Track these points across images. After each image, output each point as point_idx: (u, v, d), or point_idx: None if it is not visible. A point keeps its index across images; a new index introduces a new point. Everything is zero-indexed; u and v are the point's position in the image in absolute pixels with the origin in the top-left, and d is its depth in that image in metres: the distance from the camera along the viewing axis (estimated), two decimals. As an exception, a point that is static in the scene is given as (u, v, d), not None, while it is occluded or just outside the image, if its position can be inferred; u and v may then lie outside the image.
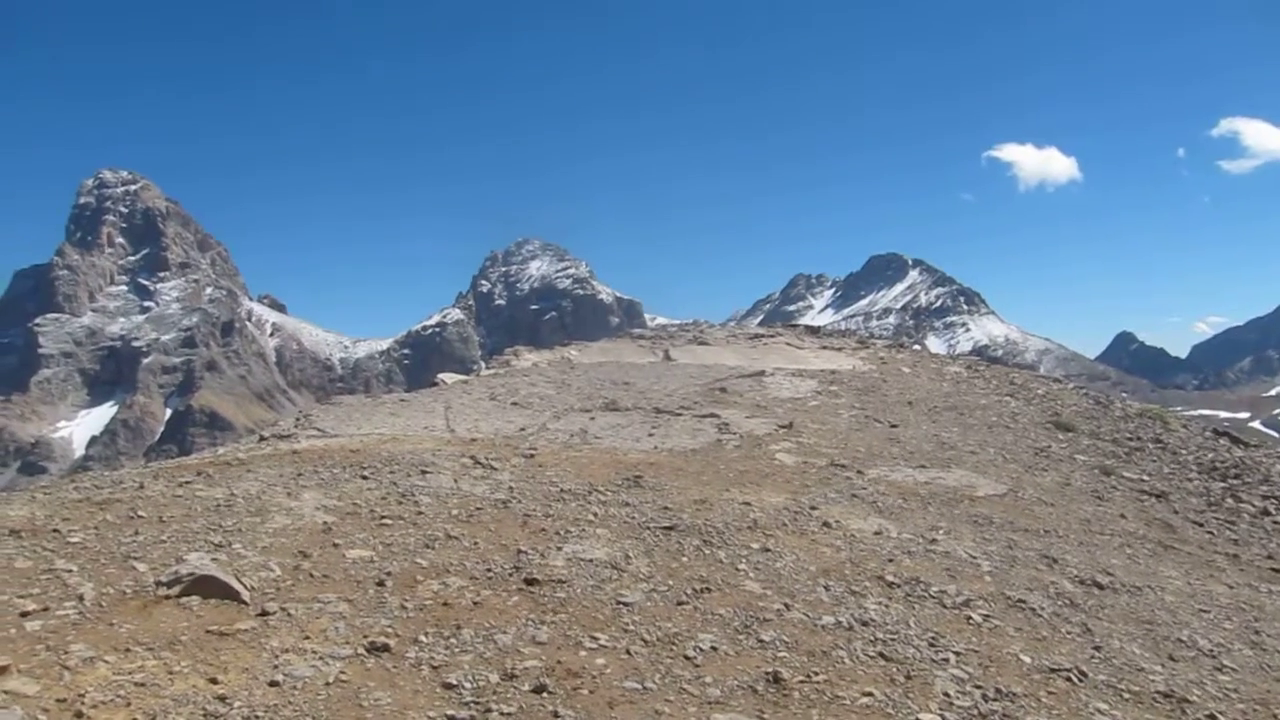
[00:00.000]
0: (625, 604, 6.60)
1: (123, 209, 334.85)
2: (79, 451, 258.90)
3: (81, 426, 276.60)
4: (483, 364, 30.74)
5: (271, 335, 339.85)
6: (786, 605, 6.76)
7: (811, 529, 8.83)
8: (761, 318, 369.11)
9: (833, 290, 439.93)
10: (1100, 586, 8.08)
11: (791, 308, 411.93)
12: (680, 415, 14.81)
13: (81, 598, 6.09)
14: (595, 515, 8.83)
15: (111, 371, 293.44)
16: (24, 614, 5.77)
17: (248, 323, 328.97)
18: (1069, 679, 5.97)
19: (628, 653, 5.83)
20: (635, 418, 14.65)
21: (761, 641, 6.10)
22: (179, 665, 5.29)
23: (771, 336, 29.77)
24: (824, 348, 27.69)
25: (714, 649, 5.95)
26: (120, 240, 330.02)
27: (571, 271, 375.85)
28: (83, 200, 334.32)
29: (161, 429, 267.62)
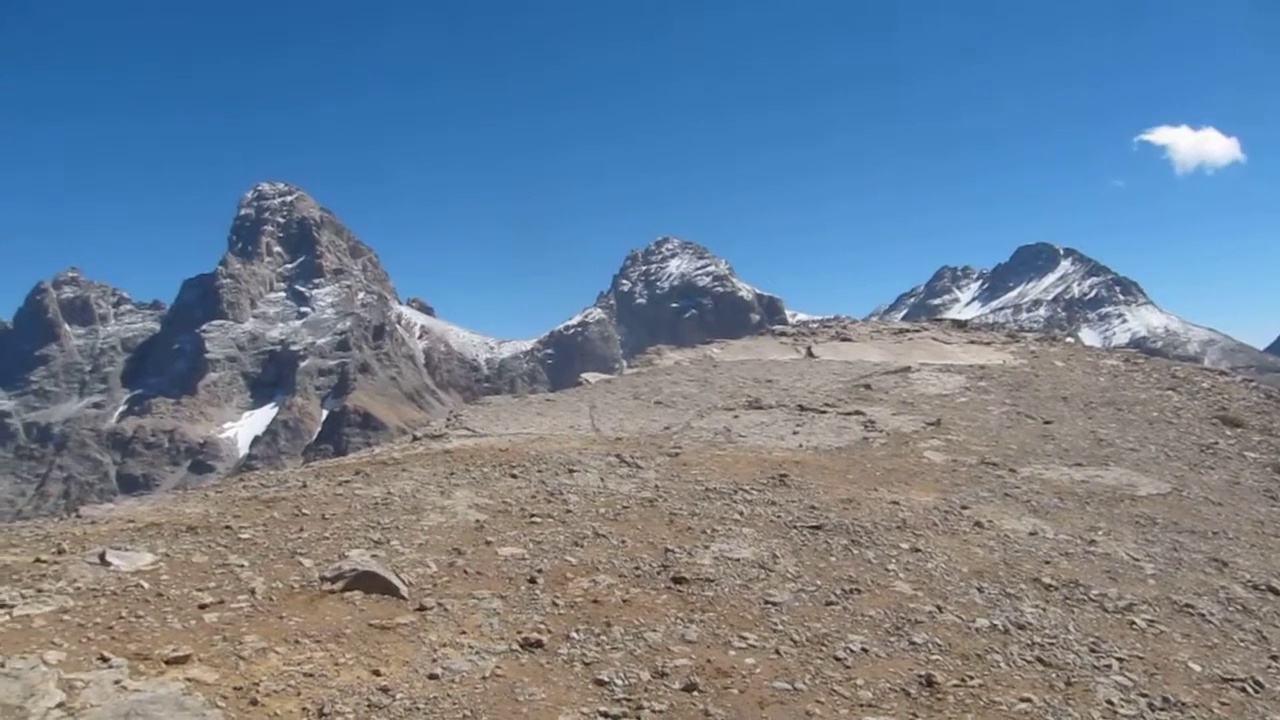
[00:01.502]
0: (773, 603, 6.59)
1: (280, 219, 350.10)
2: (243, 451, 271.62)
3: (245, 427, 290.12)
4: (624, 363, 31.01)
5: (420, 337, 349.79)
6: (939, 607, 6.63)
7: (963, 529, 8.64)
8: (905, 312, 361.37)
9: (979, 282, 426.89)
10: (1276, 592, 7.66)
11: (936, 301, 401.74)
12: (824, 413, 14.65)
13: (253, 591, 6.41)
14: (741, 514, 8.82)
15: (272, 374, 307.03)
16: (202, 606, 6.11)
17: (398, 326, 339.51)
18: (1243, 689, 5.69)
19: (777, 653, 5.81)
20: (779, 415, 14.56)
21: (913, 644, 6.01)
22: (344, 657, 5.52)
23: (917, 331, 29.15)
24: (972, 342, 26.98)
25: (865, 650, 5.89)
26: (278, 249, 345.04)
27: (711, 269, 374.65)
28: (243, 212, 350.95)
29: (319, 429, 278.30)
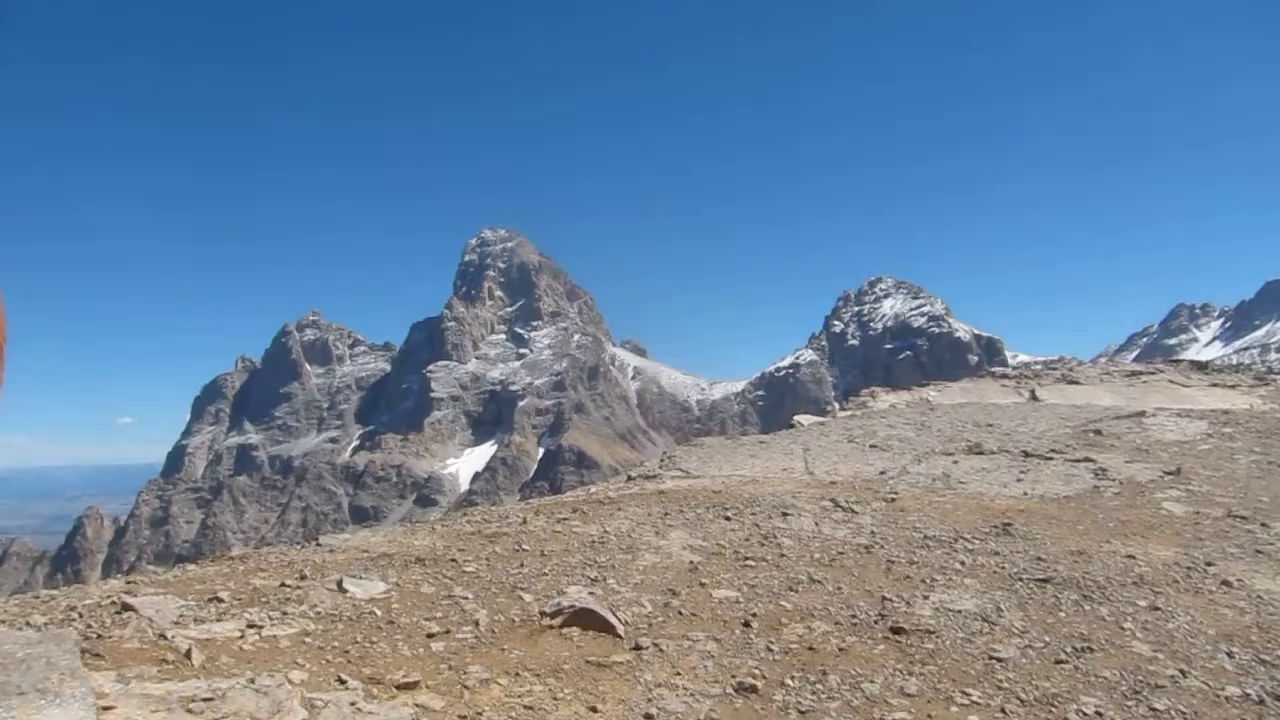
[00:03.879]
0: (998, 659, 6.29)
1: (501, 264, 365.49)
2: (464, 486, 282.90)
3: (466, 463, 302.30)
4: (836, 405, 30.65)
5: (633, 379, 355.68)
6: (1182, 671, 6.17)
7: (1208, 587, 8.03)
8: (1138, 353, 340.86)
9: (1221, 320, 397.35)
10: None
11: (1172, 341, 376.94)
12: (1051, 459, 13.99)
13: (477, 623, 6.64)
14: (962, 564, 8.51)
15: (492, 413, 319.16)
16: (430, 635, 6.38)
17: (611, 367, 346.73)
18: None
19: (1003, 711, 5.55)
20: (1001, 461, 14.01)
21: (1154, 710, 5.61)
22: (562, 692, 5.62)
23: (1151, 373, 27.55)
24: (1214, 385, 25.26)
25: (1099, 714, 5.54)
26: (499, 293, 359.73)
27: (926, 309, 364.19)
28: (467, 258, 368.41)
29: (535, 467, 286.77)
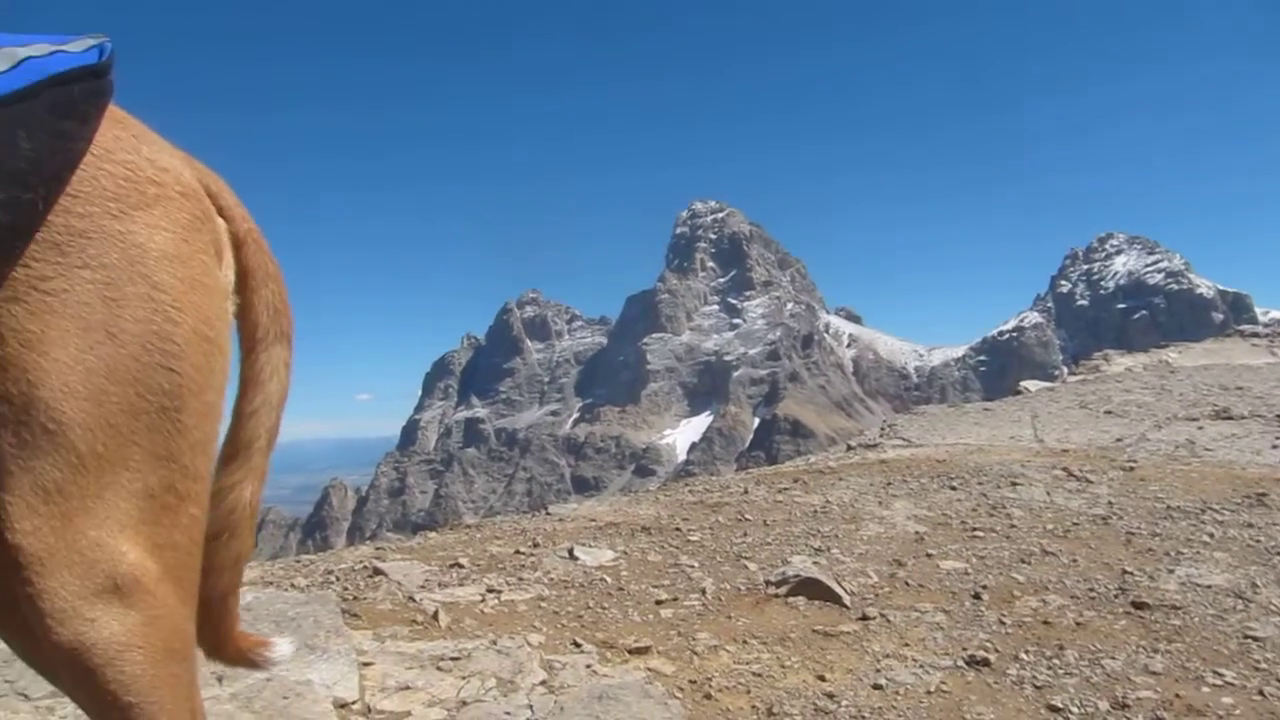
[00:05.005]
0: (1254, 638, 5.90)
1: (712, 235, 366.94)
2: (681, 456, 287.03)
3: (683, 434, 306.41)
4: (1065, 369, 29.27)
5: (848, 346, 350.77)
6: None
7: None
8: None
9: None
10: None
11: None
12: (1310, 425, 12.95)
13: (703, 591, 6.76)
14: (1211, 536, 8.01)
15: (707, 384, 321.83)
16: (658, 602, 6.54)
17: (826, 335, 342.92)
18: None
19: (1260, 694, 5.20)
20: (1253, 427, 13.06)
21: None
22: (789, 660, 5.66)
23: None
24: None
25: (1373, 700, 5.13)
26: (711, 264, 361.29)
27: (1163, 265, 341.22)
28: (679, 230, 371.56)
29: (750, 436, 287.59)
